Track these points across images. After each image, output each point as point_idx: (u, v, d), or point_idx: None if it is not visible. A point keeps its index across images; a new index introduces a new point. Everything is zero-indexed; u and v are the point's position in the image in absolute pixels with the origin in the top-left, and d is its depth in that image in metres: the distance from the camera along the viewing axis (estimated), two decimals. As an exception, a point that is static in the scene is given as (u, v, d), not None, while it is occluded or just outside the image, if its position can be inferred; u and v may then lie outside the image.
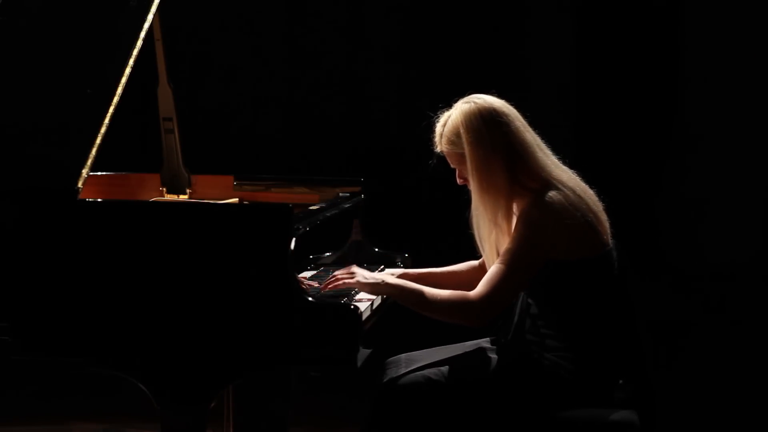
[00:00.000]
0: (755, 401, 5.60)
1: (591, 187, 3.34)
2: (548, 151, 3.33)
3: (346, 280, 3.37)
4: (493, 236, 3.30)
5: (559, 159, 3.35)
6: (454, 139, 3.28)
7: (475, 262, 3.59)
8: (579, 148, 7.14)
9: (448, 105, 3.36)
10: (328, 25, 7.40)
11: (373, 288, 3.35)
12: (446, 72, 7.21)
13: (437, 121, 3.35)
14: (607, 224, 3.30)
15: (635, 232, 7.37)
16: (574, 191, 3.24)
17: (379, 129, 7.27)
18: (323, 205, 3.88)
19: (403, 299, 3.29)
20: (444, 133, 3.31)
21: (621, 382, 3.32)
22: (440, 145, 3.34)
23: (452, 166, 3.35)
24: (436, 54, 7.30)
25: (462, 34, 7.34)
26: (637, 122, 7.56)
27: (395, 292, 3.30)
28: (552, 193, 3.20)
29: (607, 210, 3.33)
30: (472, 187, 3.28)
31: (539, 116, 3.43)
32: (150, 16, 3.55)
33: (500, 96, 3.35)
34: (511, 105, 3.33)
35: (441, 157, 3.39)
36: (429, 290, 3.25)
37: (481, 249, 3.37)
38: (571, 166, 3.36)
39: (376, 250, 4.13)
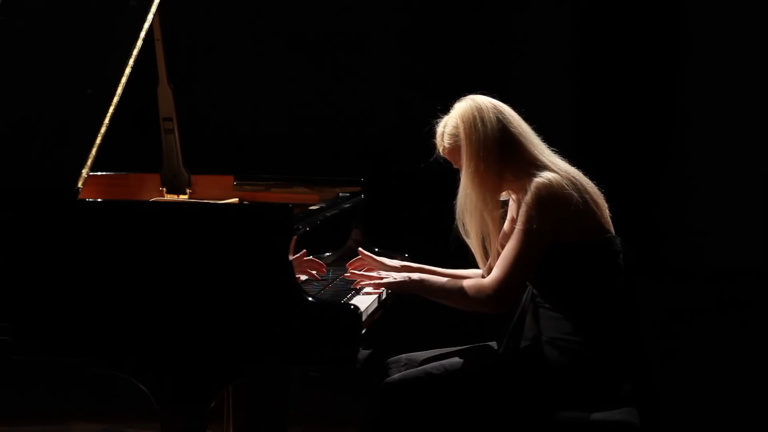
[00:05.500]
0: (755, 401, 5.59)
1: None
2: (544, 144, 3.42)
3: (378, 282, 3.47)
4: (478, 219, 3.36)
5: (556, 153, 3.42)
6: (454, 132, 3.38)
7: (479, 271, 3.58)
8: (579, 148, 7.14)
9: (447, 109, 3.43)
10: (328, 26, 7.40)
11: (402, 286, 3.44)
12: (445, 70, 7.21)
13: (438, 125, 3.45)
14: (606, 210, 3.38)
15: (636, 232, 7.36)
16: (568, 173, 3.33)
17: (380, 129, 7.26)
18: (323, 205, 3.88)
19: (425, 292, 3.41)
20: (444, 131, 3.41)
21: (625, 382, 3.32)
22: (442, 144, 3.43)
23: (455, 165, 3.42)
24: (436, 52, 7.30)
25: (462, 32, 7.34)
26: (638, 122, 7.55)
27: (420, 286, 3.42)
28: (549, 174, 3.29)
29: (606, 198, 3.39)
30: (463, 167, 3.36)
31: (539, 115, 3.46)
32: (150, 16, 3.55)
33: (500, 94, 3.41)
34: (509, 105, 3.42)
35: (435, 161, 3.47)
36: (449, 282, 3.39)
37: (464, 235, 3.43)
38: (570, 166, 3.40)
39: (376, 250, 4.13)
